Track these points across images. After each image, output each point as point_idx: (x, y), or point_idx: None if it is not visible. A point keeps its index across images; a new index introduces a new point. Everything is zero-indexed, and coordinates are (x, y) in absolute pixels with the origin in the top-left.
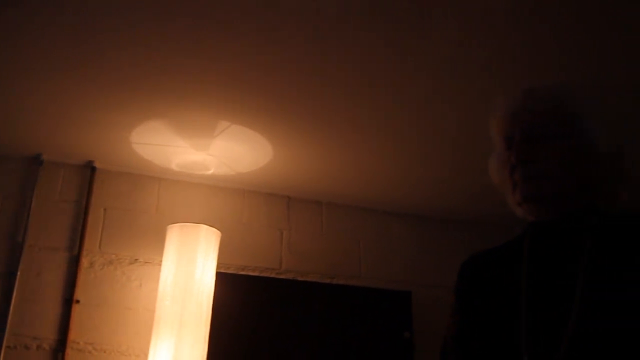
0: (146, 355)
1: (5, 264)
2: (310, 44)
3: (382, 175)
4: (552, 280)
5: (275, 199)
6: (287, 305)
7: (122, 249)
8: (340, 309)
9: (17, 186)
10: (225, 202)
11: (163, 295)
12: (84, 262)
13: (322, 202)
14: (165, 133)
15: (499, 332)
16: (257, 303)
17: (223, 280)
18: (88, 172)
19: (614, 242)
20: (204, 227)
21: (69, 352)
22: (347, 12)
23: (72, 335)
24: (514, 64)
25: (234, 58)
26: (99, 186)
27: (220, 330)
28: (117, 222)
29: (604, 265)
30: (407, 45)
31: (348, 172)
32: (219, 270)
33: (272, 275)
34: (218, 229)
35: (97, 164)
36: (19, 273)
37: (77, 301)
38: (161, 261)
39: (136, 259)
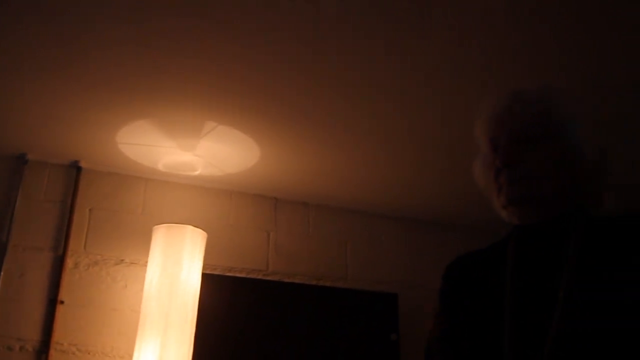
0: (131, 356)
1: None
2: (299, 44)
3: (370, 178)
4: (537, 282)
5: (263, 200)
6: (274, 307)
7: (107, 249)
8: (327, 310)
9: (1, 185)
10: (212, 203)
11: (148, 296)
12: (69, 262)
13: (309, 204)
14: (152, 133)
15: (484, 333)
16: (244, 304)
17: (209, 281)
18: (74, 172)
19: (598, 243)
20: (190, 228)
21: (52, 353)
22: (338, 12)
23: (56, 336)
24: (514, 64)
25: (221, 58)
26: (85, 186)
27: (206, 331)
28: (103, 223)
29: (588, 266)
30: (398, 46)
31: (335, 174)
32: (205, 272)
33: (259, 277)
34: (205, 230)
35: (82, 164)
36: (2, 273)
37: (62, 302)
38: (147, 262)
39: (122, 260)
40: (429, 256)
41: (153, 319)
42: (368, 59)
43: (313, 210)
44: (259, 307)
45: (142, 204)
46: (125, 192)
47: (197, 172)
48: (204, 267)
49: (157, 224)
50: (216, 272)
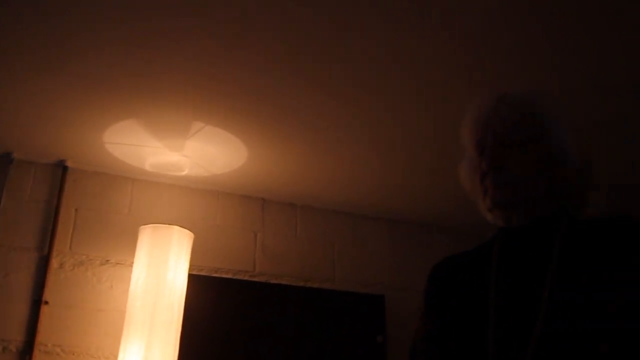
0: (116, 357)
1: None
2: (287, 45)
3: (358, 179)
4: (521, 284)
5: (250, 201)
6: (260, 308)
7: (93, 249)
8: (314, 312)
9: None
10: (199, 203)
11: (134, 296)
12: (54, 262)
13: (296, 205)
14: (138, 133)
15: (469, 334)
16: (230, 305)
17: (195, 282)
18: (59, 171)
19: (582, 245)
20: (177, 228)
21: (36, 354)
22: (326, 13)
23: (40, 337)
24: (507, 64)
25: (208, 58)
26: (71, 186)
27: (192, 332)
28: (89, 223)
29: (572, 268)
30: (388, 46)
31: (323, 175)
32: (191, 272)
33: (246, 278)
34: (191, 231)
35: (69, 163)
36: None
37: (46, 302)
38: (133, 262)
39: (107, 260)
40: (416, 258)
41: (138, 319)
42: (356, 59)
43: (300, 211)
44: (245, 308)
45: (129, 204)
46: (111, 192)
47: (184, 173)
48: (191, 267)
49: (143, 224)
50: (202, 273)
